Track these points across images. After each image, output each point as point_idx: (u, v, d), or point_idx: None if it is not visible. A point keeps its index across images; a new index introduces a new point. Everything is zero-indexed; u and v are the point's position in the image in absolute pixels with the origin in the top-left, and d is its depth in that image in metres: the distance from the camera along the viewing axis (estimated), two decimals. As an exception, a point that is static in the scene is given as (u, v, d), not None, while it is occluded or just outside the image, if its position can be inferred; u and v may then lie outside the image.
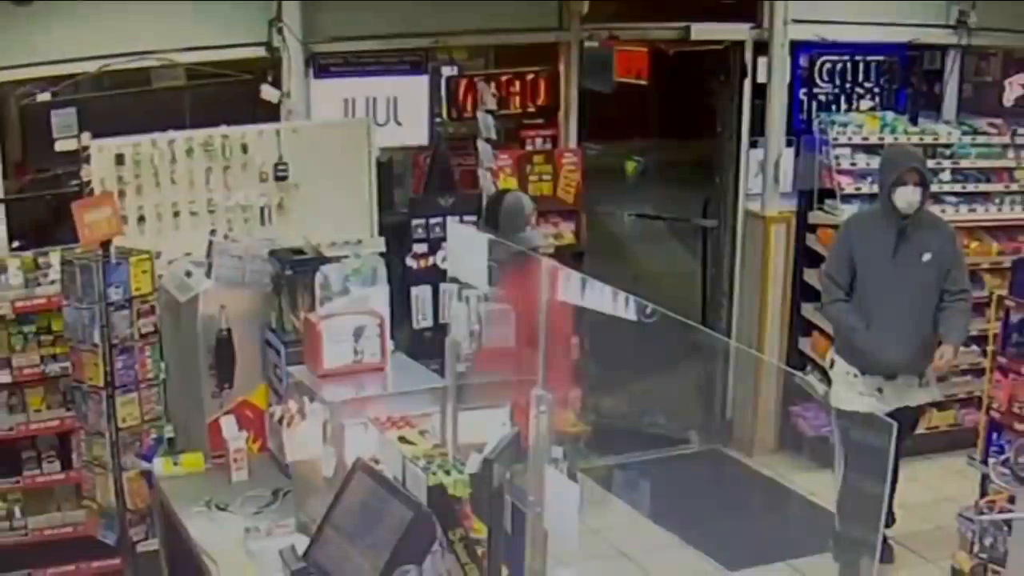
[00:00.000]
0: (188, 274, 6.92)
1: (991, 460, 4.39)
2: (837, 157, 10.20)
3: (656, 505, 8.59)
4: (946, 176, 10.40)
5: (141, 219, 8.20)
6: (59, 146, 8.53)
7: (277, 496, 5.91)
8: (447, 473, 4.50)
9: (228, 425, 6.24)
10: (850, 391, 8.07)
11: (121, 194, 8.01)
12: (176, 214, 8.31)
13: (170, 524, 6.07)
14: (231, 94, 8.99)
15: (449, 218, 8.62)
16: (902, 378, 8.02)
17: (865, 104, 10.81)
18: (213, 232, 7.60)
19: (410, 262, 9.09)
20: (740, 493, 9.76)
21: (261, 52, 9.01)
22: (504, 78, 9.83)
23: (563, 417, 6.59)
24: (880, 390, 7.98)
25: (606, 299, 4.33)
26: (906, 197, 7.89)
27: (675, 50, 10.91)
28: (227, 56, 8.91)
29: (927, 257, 7.96)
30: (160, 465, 6.28)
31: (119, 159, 8.14)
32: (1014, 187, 10.54)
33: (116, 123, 8.37)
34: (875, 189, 10.19)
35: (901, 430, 6.09)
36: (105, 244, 6.69)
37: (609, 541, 8.65)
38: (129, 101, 9.00)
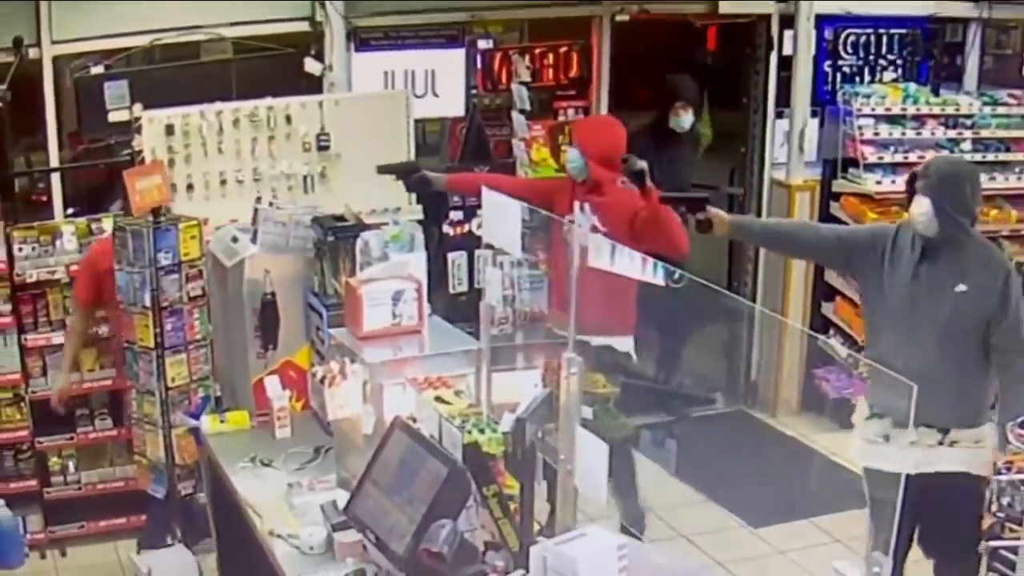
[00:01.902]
0: (234, 240, 6.93)
1: (1009, 423, 4.39)
2: (860, 127, 10.13)
3: (682, 464, 8.57)
4: (967, 146, 10.33)
5: (190, 187, 8.23)
6: (112, 117, 8.56)
7: (319, 453, 5.93)
8: (481, 431, 4.51)
9: (272, 385, 6.26)
10: (859, 432, 6.49)
11: (170, 163, 8.04)
12: (223, 182, 8.35)
13: (217, 479, 6.10)
14: (276, 67, 8.98)
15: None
16: (916, 430, 6.09)
17: (888, 76, 10.76)
18: (258, 200, 7.57)
19: (447, 229, 9.09)
20: (764, 453, 9.74)
21: (305, 27, 9.02)
22: (538, 51, 9.82)
23: (592, 378, 6.61)
24: (887, 437, 6.26)
25: (636, 265, 4.33)
26: (915, 209, 6.15)
27: (703, 23, 10.79)
28: (272, 31, 8.92)
29: (961, 288, 6.10)
30: (207, 422, 6.32)
31: (169, 129, 8.17)
32: (1034, 157, 10.48)
33: (166, 95, 8.38)
34: (897, 159, 10.23)
35: (924, 508, 5.61)
36: (155, 211, 6.70)
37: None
38: (179, 73, 8.97)
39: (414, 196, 8.57)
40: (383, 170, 8.05)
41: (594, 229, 6.45)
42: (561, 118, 9.78)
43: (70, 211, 8.61)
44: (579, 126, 8.07)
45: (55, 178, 8.65)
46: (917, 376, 4.91)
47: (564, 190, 7.28)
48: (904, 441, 5.90)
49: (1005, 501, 3.90)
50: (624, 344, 7.28)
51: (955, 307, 6.09)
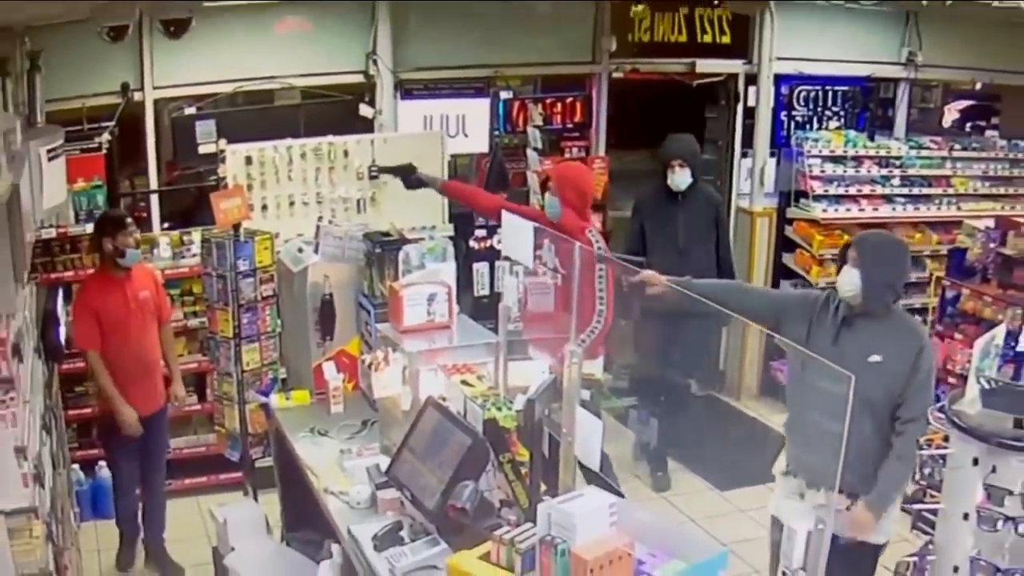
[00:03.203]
0: (300, 250, 6.93)
1: (930, 407, 4.32)
2: (810, 166, 10.08)
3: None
4: (896, 182, 10.31)
5: (264, 207, 8.18)
6: (201, 149, 8.57)
7: (366, 425, 5.86)
8: (499, 409, 4.47)
9: (329, 369, 6.20)
10: (777, 485, 5.76)
11: (249, 187, 8.00)
12: (291, 204, 8.29)
13: (282, 445, 6.05)
14: (336, 111, 8.98)
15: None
16: (822, 491, 5.25)
17: (833, 124, 10.70)
18: (320, 218, 7.60)
19: (472, 243, 9.07)
20: (730, 429, 9.70)
21: (360, 78, 9.01)
22: (548, 100, 9.83)
23: (590, 367, 6.55)
24: (801, 495, 5.45)
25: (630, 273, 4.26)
26: (844, 279, 5.38)
27: (686, 81, 10.72)
28: (333, 81, 8.94)
29: (876, 358, 5.22)
30: (275, 399, 6.26)
31: (248, 160, 8.14)
32: (950, 191, 10.43)
33: (246, 132, 8.39)
34: (840, 191, 10.18)
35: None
36: (236, 226, 6.67)
37: (624, 466, 8.60)
38: (257, 115, 9.01)
39: (447, 217, 8.57)
40: (383, 170, 8.06)
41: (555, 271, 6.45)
42: (567, 155, 9.75)
43: (165, 225, 8.64)
44: (558, 174, 7.30)
45: (154, 198, 8.68)
46: (828, 439, 4.62)
47: (540, 221, 6.44)
48: (816, 501, 5.20)
49: (927, 471, 3.81)
50: (592, 367, 6.82)
51: (868, 376, 4.80)
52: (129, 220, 7.01)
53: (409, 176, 7.68)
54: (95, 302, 6.85)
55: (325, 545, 5.14)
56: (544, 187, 7.62)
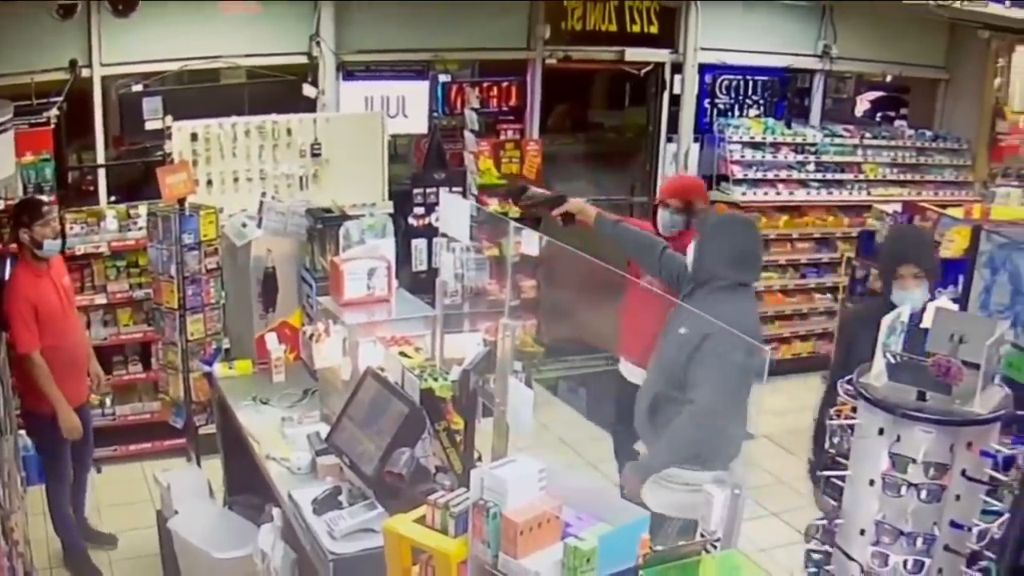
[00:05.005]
0: (244, 225, 6.88)
1: (839, 379, 4.37)
2: (731, 151, 10.18)
3: (590, 406, 8.54)
4: (811, 168, 10.42)
5: (209, 183, 8.11)
6: (148, 125, 8.47)
7: (306, 394, 5.86)
8: (435, 380, 4.48)
9: (271, 339, 6.20)
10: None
11: (194, 163, 7.91)
12: (236, 179, 8.23)
13: (225, 413, 6.03)
14: (280, 90, 8.89)
15: (441, 188, 8.56)
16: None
17: (753, 112, 10.78)
18: (263, 194, 7.53)
19: (411, 221, 9.03)
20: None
21: (303, 59, 8.94)
22: (485, 84, 9.78)
23: (523, 339, 6.56)
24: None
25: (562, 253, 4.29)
26: (689, 248, 5.39)
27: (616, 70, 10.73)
28: (277, 61, 8.85)
29: (683, 331, 5.06)
30: (218, 368, 6.25)
31: (193, 136, 8.06)
32: (861, 177, 10.57)
33: (192, 109, 8.30)
34: (758, 176, 10.27)
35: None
36: (181, 201, 6.61)
37: (554, 433, 8.62)
38: (202, 93, 8.92)
39: (387, 194, 8.54)
40: (529, 199, 6.43)
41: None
42: (502, 137, 9.73)
43: (112, 199, 8.50)
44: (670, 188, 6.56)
45: (101, 173, 8.55)
46: (643, 403, 5.06)
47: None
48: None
49: (836, 440, 3.86)
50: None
51: (671, 345, 5.14)
52: (47, 208, 6.51)
53: (556, 207, 6.19)
54: (30, 294, 6.26)
55: (266, 509, 5.13)
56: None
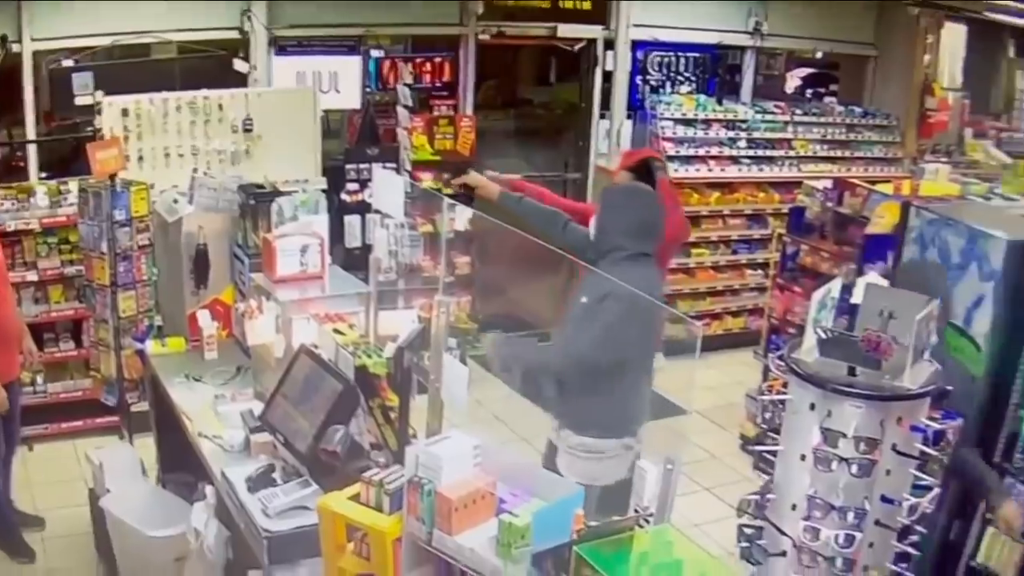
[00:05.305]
0: (175, 201, 6.78)
1: (770, 355, 4.40)
2: (663, 127, 10.19)
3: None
4: (743, 144, 10.48)
5: (140, 158, 8.02)
6: (78, 101, 8.34)
7: (240, 371, 5.79)
8: (369, 356, 4.44)
9: (203, 316, 6.12)
10: None
11: (126, 139, 7.84)
12: (167, 155, 8.15)
13: (157, 391, 5.96)
14: (211, 65, 8.80)
15: (374, 164, 8.48)
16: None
17: (684, 89, 10.84)
18: (195, 170, 7.45)
19: (344, 197, 8.99)
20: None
21: (235, 34, 8.86)
22: (418, 60, 9.73)
23: (458, 316, 6.54)
24: None
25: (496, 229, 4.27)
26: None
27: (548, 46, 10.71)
28: (209, 37, 8.76)
29: (583, 300, 5.13)
30: (151, 346, 6.15)
31: (124, 112, 7.99)
32: (792, 153, 10.66)
33: (123, 85, 8.19)
34: (690, 152, 10.30)
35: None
36: (112, 176, 6.52)
37: (489, 409, 8.61)
38: (133, 68, 8.79)
39: (319, 170, 8.48)
40: (458, 182, 6.87)
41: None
42: (436, 112, 9.70)
43: (43, 174, 8.40)
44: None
45: (32, 148, 8.45)
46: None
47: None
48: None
49: (767, 416, 3.89)
50: None
51: (574, 316, 5.14)
52: None
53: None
54: None
55: (199, 487, 5.08)
56: None
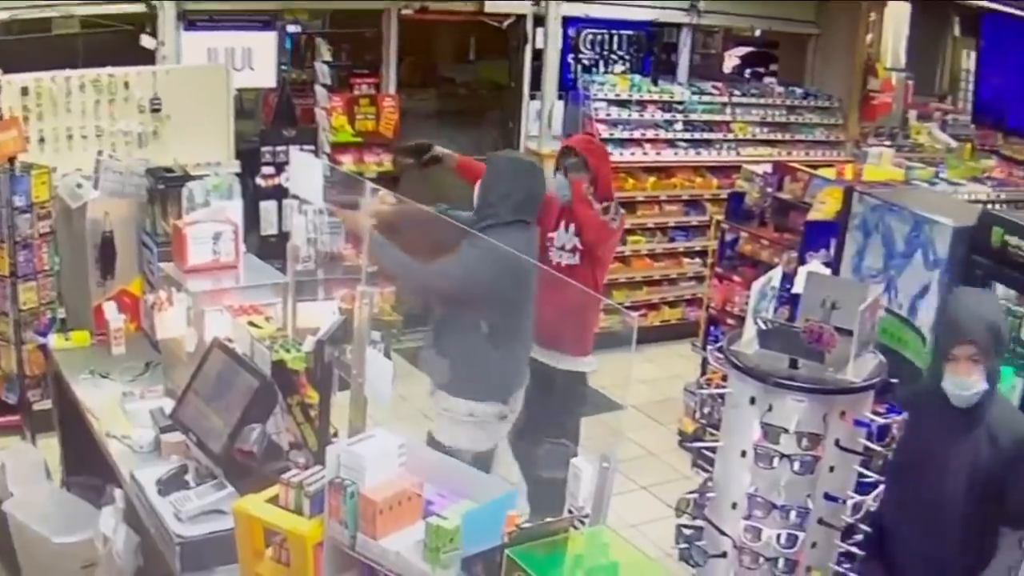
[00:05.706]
0: (79, 186, 6.69)
1: (709, 347, 4.43)
2: (596, 109, 10.20)
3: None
4: (679, 127, 10.51)
5: (41, 140, 7.90)
6: (-26, 80, 8.19)
7: (149, 367, 5.73)
8: (287, 351, 4.41)
9: (110, 309, 6.05)
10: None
11: (26, 119, 7.70)
12: (70, 137, 8.03)
13: (61, 388, 5.90)
14: (117, 41, 8.69)
15: (291, 146, 8.42)
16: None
17: (618, 68, 10.87)
18: (100, 152, 7.32)
19: (260, 181, 8.93)
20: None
21: (142, 8, 8.67)
22: (337, 36, 9.67)
23: (382, 308, 6.53)
24: None
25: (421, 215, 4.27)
26: None
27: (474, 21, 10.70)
28: (114, 10, 8.59)
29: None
30: (54, 340, 6.09)
31: (25, 91, 7.85)
32: (731, 136, 10.71)
33: (23, 62, 8.03)
34: (624, 135, 10.32)
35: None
36: (12, 160, 6.44)
37: (414, 406, 8.57)
38: (34, 44, 8.64)
39: (233, 153, 8.40)
40: (401, 151, 7.28)
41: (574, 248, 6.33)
42: (356, 92, 9.62)
43: (-65, 158, 8.20)
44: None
45: (-77, 130, 8.22)
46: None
47: (552, 204, 6.20)
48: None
49: (706, 410, 3.91)
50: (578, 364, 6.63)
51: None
52: None
53: (424, 154, 6.70)
54: None
55: (107, 490, 5.04)
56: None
